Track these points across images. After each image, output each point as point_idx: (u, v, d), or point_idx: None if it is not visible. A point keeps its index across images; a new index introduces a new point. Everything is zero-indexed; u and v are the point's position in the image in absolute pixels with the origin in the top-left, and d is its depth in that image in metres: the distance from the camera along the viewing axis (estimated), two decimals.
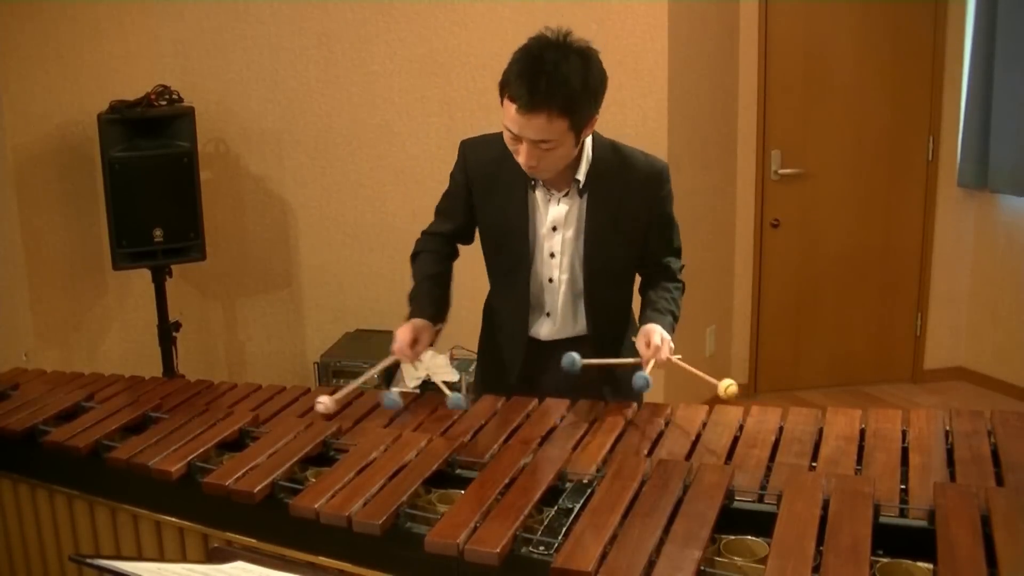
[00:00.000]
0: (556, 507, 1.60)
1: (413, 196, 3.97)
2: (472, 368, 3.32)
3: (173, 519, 1.87)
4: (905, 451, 1.77)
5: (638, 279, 2.33)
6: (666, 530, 1.49)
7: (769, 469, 1.74)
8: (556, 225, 2.17)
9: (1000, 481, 1.63)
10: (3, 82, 3.56)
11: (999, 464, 1.68)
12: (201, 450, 1.93)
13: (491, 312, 2.39)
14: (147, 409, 2.19)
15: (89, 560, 1.44)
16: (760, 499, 1.61)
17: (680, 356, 2.12)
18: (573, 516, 1.56)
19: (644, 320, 2.16)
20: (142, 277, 3.80)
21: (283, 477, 1.80)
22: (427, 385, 3.76)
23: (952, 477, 1.66)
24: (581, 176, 2.13)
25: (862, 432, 1.85)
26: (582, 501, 1.61)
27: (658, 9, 3.82)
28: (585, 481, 1.70)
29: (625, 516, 1.54)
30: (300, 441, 1.94)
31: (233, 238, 4.10)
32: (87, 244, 3.83)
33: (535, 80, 1.89)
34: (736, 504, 1.60)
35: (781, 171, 4.51)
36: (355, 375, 3.57)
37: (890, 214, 4.65)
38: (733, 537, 1.52)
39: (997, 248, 4.61)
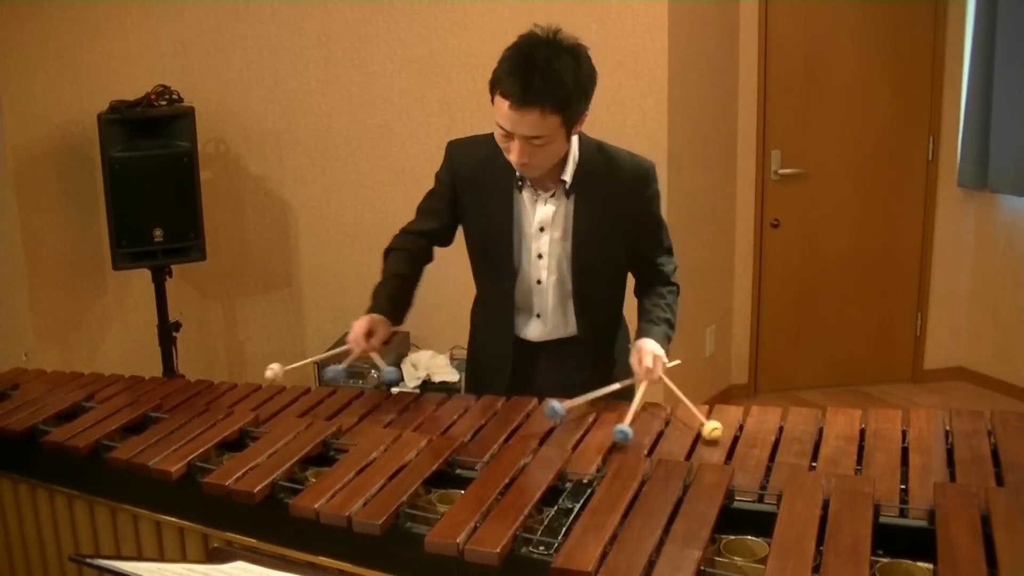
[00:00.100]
0: (556, 507, 1.60)
1: (413, 196, 3.92)
2: None
3: (173, 519, 1.87)
4: (905, 451, 1.77)
5: (631, 280, 2.32)
6: (666, 530, 1.49)
7: (769, 469, 1.74)
8: (543, 226, 2.17)
9: (1000, 481, 1.63)
10: (3, 82, 3.56)
11: (999, 464, 1.68)
12: (201, 450, 1.93)
13: (478, 315, 2.39)
14: (147, 409, 2.19)
15: (89, 560, 1.44)
16: (760, 499, 1.61)
17: (679, 361, 2.12)
18: (573, 516, 1.56)
19: (639, 332, 2.16)
20: (142, 277, 3.80)
21: (283, 477, 1.80)
22: (427, 385, 3.77)
23: (952, 477, 1.66)
24: (568, 176, 2.13)
25: (862, 432, 1.85)
26: (582, 501, 1.61)
27: (658, 9, 3.81)
28: (585, 481, 1.70)
29: (625, 516, 1.54)
30: (300, 441, 1.93)
31: (233, 238, 4.10)
32: (87, 244, 3.84)
33: (528, 76, 1.90)
34: (736, 504, 1.60)
35: (781, 171, 4.51)
36: (355, 375, 3.61)
37: (890, 214, 4.65)
38: (733, 537, 1.52)
39: (997, 248, 4.61)
